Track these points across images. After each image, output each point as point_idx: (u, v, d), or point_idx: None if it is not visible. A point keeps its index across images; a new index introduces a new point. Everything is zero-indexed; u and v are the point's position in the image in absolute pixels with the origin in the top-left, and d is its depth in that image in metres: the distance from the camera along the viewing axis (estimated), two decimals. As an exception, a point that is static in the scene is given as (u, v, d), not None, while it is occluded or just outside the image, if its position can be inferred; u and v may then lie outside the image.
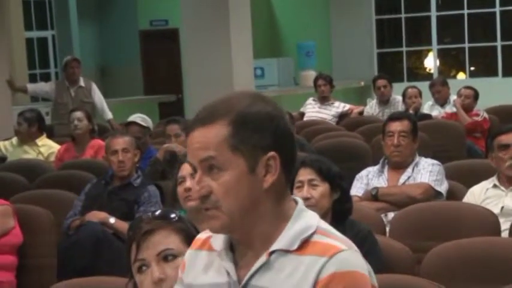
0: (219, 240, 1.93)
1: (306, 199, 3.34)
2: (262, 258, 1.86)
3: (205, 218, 1.87)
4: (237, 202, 1.85)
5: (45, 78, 13.81)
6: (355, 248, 1.88)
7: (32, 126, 7.64)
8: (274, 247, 1.85)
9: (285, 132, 1.89)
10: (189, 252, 2.01)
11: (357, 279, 1.81)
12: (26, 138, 7.55)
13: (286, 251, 1.85)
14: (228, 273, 1.89)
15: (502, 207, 4.41)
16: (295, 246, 1.85)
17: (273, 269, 1.85)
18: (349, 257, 1.83)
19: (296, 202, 1.93)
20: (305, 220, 1.89)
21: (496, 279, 3.04)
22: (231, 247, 1.92)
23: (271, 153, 1.85)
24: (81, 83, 9.16)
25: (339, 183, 3.60)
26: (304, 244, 1.85)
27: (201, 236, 2.01)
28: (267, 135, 1.86)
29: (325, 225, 1.90)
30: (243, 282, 1.87)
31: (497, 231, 4.01)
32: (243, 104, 1.88)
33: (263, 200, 1.87)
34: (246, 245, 1.90)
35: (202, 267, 1.95)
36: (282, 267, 1.84)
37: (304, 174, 3.53)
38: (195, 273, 1.96)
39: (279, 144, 1.87)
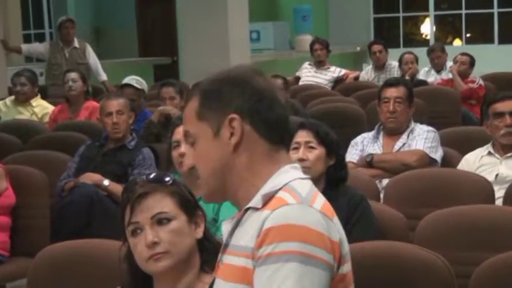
0: None
1: (301, 160, 3.35)
2: (237, 217, 1.89)
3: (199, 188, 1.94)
4: (208, 167, 1.91)
5: (40, 38, 13.75)
6: (315, 204, 1.84)
7: (35, 87, 7.64)
8: (247, 206, 1.87)
9: (255, 94, 1.89)
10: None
11: (290, 232, 1.76)
12: (26, 98, 7.54)
13: (256, 209, 1.85)
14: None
15: (497, 175, 4.42)
16: (261, 203, 1.85)
17: (241, 227, 1.88)
18: (289, 210, 1.79)
19: (281, 166, 1.91)
20: (278, 179, 1.88)
21: (489, 246, 3.05)
22: None
23: (232, 115, 1.87)
24: (76, 44, 9.12)
25: (336, 150, 3.60)
26: (268, 201, 1.84)
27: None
28: (229, 100, 1.89)
29: (296, 184, 1.87)
30: (225, 240, 1.91)
31: (491, 198, 4.02)
32: (213, 76, 1.95)
33: (235, 163, 1.89)
34: (239, 208, 1.92)
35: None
36: (247, 224, 1.86)
37: (302, 136, 3.53)
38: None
39: (246, 108, 1.88)
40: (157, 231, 2.19)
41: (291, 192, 1.84)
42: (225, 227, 1.93)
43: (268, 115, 1.89)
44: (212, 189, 1.92)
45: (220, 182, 1.90)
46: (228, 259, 1.86)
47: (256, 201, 1.86)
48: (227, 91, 1.90)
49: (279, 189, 1.85)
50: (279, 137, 1.91)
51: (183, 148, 3.61)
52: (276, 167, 1.90)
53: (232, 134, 1.87)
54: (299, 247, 1.74)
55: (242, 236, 1.85)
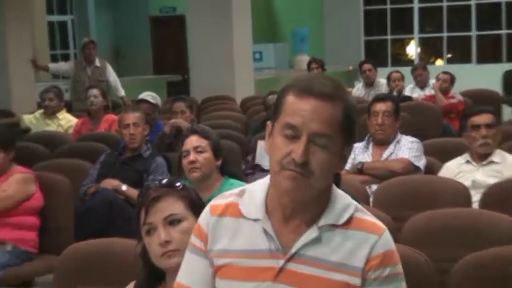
0: (252, 208, 1.86)
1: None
2: (313, 231, 1.80)
3: (287, 177, 1.76)
4: (324, 177, 1.78)
5: (65, 58, 13.78)
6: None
7: (61, 101, 7.67)
8: (323, 222, 1.81)
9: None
10: (210, 220, 1.90)
11: (396, 257, 1.83)
12: (53, 112, 7.56)
13: (334, 225, 1.81)
14: (269, 239, 1.82)
15: (473, 181, 4.42)
16: (343, 221, 1.81)
17: (321, 242, 1.80)
18: (389, 236, 1.83)
19: None
20: (344, 197, 1.87)
21: (466, 245, 3.04)
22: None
23: (352, 145, 1.85)
24: (97, 63, 9.14)
25: None
26: (350, 219, 1.82)
27: (219, 202, 1.93)
28: (355, 129, 1.83)
29: (357, 203, 1.88)
30: (293, 250, 1.79)
31: (468, 202, 4.02)
32: (348, 94, 1.84)
33: (330, 182, 1.84)
34: (288, 216, 1.82)
35: (231, 233, 1.87)
36: (329, 239, 1.80)
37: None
38: (225, 239, 1.87)
39: (354, 138, 1.85)
40: (169, 231, 2.19)
41: (367, 214, 1.87)
42: (251, 230, 1.85)
43: None
44: (310, 191, 1.77)
45: (318, 190, 1.78)
46: (308, 270, 1.78)
47: (334, 218, 1.81)
48: (356, 122, 1.83)
49: (355, 209, 1.84)
50: None
51: (192, 156, 3.63)
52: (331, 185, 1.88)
53: (343, 160, 1.83)
54: (401, 268, 1.85)
55: (331, 252, 1.78)
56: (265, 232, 1.82)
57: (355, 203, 1.87)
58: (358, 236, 1.79)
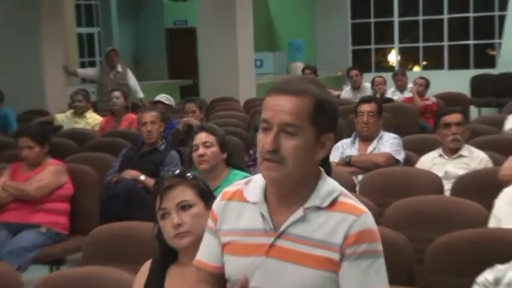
0: (252, 193, 1.87)
1: None
2: (299, 212, 1.79)
3: (265, 167, 1.77)
4: (298, 162, 1.76)
5: (92, 65, 13.75)
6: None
7: (88, 102, 7.67)
8: (308, 204, 1.80)
9: (337, 120, 1.87)
10: (220, 204, 1.92)
11: (374, 235, 1.79)
12: (82, 112, 7.56)
13: (319, 208, 1.80)
14: (264, 220, 1.83)
15: (445, 172, 4.42)
16: (326, 204, 1.80)
17: (306, 221, 1.79)
18: (369, 217, 1.80)
19: (320, 169, 1.88)
20: (331, 183, 1.85)
21: (439, 228, 3.04)
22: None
23: (330, 134, 1.82)
24: (119, 68, 9.12)
25: None
26: (333, 202, 1.80)
27: (229, 189, 1.94)
28: (331, 120, 1.82)
29: (344, 189, 1.86)
30: (282, 228, 1.80)
31: (441, 190, 4.03)
32: (321, 91, 1.82)
33: (311, 167, 1.82)
34: (281, 199, 1.83)
35: (236, 214, 1.88)
36: (314, 220, 1.79)
37: None
38: (231, 220, 1.89)
39: (335, 130, 1.84)
40: (181, 215, 2.19)
41: (352, 198, 1.84)
42: (252, 212, 1.86)
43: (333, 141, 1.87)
44: (288, 177, 1.77)
45: (297, 176, 1.78)
46: (293, 246, 1.78)
47: (319, 201, 1.80)
48: (334, 113, 1.82)
49: (339, 193, 1.83)
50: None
51: (201, 150, 3.63)
52: (319, 171, 1.87)
53: (322, 148, 1.82)
54: (381, 246, 1.81)
55: (315, 230, 1.78)
56: (261, 214, 1.83)
57: (342, 189, 1.86)
58: (340, 216, 1.78)
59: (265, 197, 1.85)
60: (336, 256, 1.76)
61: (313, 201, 1.80)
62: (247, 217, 1.86)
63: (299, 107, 1.76)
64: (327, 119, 1.80)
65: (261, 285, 1.80)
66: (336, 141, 5.11)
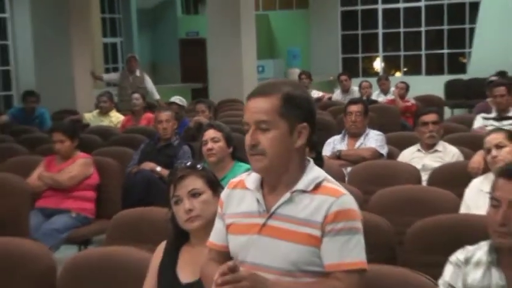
0: (251, 182, 1.88)
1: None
2: (287, 195, 1.81)
3: (252, 161, 1.82)
4: (277, 152, 1.79)
5: (115, 70, 13.73)
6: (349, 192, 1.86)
7: (112, 103, 7.68)
8: (295, 188, 1.81)
9: (313, 112, 1.87)
10: (226, 191, 1.96)
11: (352, 215, 1.79)
12: (106, 111, 7.57)
13: (304, 191, 1.81)
14: (259, 204, 1.85)
15: (423, 165, 4.41)
16: (310, 188, 1.81)
17: (293, 203, 1.81)
18: (348, 199, 1.80)
19: (308, 160, 1.90)
20: (316, 171, 1.86)
21: (417, 213, 3.02)
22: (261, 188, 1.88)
23: (304, 124, 1.82)
24: (137, 73, 9.08)
25: (316, 147, 3.56)
26: (317, 187, 1.81)
27: (234, 180, 1.97)
28: (303, 111, 1.82)
29: (329, 176, 1.87)
30: (272, 210, 1.82)
31: (419, 181, 4.03)
32: (290, 88, 1.83)
33: (292, 156, 1.82)
34: (272, 186, 1.84)
35: (238, 200, 1.90)
36: (299, 201, 1.80)
37: None
38: (233, 205, 1.91)
39: (310, 120, 1.83)
40: (192, 201, 2.18)
41: (334, 183, 1.84)
42: (251, 198, 1.88)
43: (314, 126, 1.87)
44: (271, 166, 1.80)
45: (279, 164, 1.80)
46: (281, 224, 1.79)
47: (305, 185, 1.81)
48: (305, 105, 1.83)
49: (323, 179, 1.83)
50: (309, 145, 1.89)
51: (210, 145, 3.62)
52: (307, 161, 1.88)
53: (299, 137, 1.82)
54: (359, 224, 1.80)
55: (300, 211, 1.79)
56: (257, 199, 1.86)
57: (326, 175, 1.86)
58: (321, 198, 1.79)
59: (262, 186, 1.88)
60: (317, 232, 1.76)
61: (299, 185, 1.82)
62: (247, 202, 1.89)
63: (268, 105, 1.78)
64: (297, 111, 1.81)
65: (255, 260, 1.81)
66: (327, 138, 5.12)
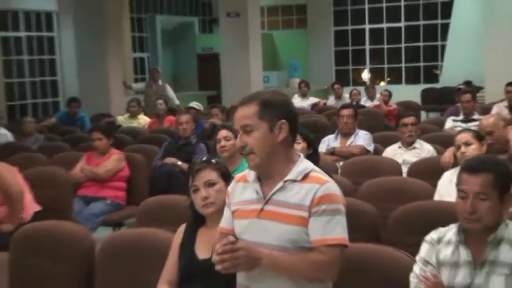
0: (251, 175, 1.91)
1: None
2: (280, 184, 1.84)
3: (247, 160, 1.85)
4: (263, 149, 1.82)
5: (143, 80, 13.70)
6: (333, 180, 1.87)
7: (140, 108, 7.70)
8: (287, 178, 1.84)
9: (291, 110, 1.88)
10: (232, 185, 1.98)
11: (334, 198, 1.81)
12: (135, 114, 7.59)
13: (294, 181, 1.83)
14: (257, 193, 1.87)
15: (403, 160, 4.41)
16: (300, 178, 1.83)
17: (285, 190, 1.83)
18: (331, 185, 1.82)
19: (299, 155, 1.91)
20: (305, 164, 1.88)
21: (399, 200, 3.01)
22: (259, 180, 1.90)
23: (282, 120, 1.84)
24: (160, 82, 9.13)
25: (313, 144, 3.58)
26: (305, 177, 1.83)
27: (239, 175, 1.99)
28: (280, 111, 1.84)
29: (316, 167, 1.89)
30: (268, 197, 1.84)
31: (400, 173, 4.03)
32: (267, 95, 1.87)
33: (278, 149, 1.84)
34: (268, 178, 1.87)
35: (240, 191, 1.93)
36: (291, 189, 1.83)
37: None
38: (237, 195, 1.93)
39: (287, 117, 1.85)
40: (207, 190, 2.19)
41: (320, 173, 1.86)
42: (250, 188, 1.89)
43: (295, 123, 1.88)
44: (261, 163, 1.83)
45: (267, 159, 1.83)
46: (276, 209, 1.82)
47: (295, 176, 1.83)
48: (281, 106, 1.85)
49: (311, 170, 1.85)
50: (294, 138, 1.91)
51: (223, 143, 3.63)
52: (297, 155, 1.90)
53: (280, 132, 1.83)
54: (341, 207, 1.81)
55: (291, 197, 1.81)
56: (255, 189, 1.88)
57: (314, 167, 1.88)
58: (309, 186, 1.82)
59: (259, 178, 1.90)
60: (306, 214, 1.79)
61: (290, 176, 1.84)
62: (248, 192, 1.91)
63: (249, 111, 1.83)
64: (274, 112, 1.83)
65: (255, 239, 1.83)
66: (323, 137, 5.12)
